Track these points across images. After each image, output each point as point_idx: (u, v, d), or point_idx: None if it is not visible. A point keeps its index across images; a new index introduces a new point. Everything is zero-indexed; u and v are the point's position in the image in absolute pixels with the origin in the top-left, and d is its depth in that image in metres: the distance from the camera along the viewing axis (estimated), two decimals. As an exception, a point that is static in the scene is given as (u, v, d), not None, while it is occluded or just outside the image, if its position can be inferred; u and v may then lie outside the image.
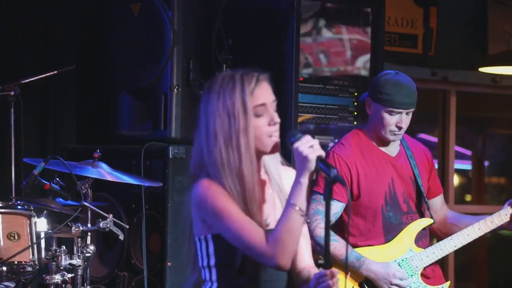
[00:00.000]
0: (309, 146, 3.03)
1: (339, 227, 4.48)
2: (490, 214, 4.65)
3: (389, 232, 4.48)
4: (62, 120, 5.90)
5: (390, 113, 4.39)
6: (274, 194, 3.22)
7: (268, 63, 5.14)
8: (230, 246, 3.09)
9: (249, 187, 3.09)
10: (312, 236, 4.33)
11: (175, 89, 5.32)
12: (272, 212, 3.16)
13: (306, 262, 3.27)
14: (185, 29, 5.36)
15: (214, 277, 3.17)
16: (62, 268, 4.43)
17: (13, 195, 4.93)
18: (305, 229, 3.27)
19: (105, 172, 4.58)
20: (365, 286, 4.44)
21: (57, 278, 4.41)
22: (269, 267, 3.08)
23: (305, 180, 3.04)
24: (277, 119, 3.14)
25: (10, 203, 4.60)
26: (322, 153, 3.04)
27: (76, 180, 4.45)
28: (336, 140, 5.64)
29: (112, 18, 5.65)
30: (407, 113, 4.42)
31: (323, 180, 4.29)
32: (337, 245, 4.37)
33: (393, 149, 4.55)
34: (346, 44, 5.71)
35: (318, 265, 3.20)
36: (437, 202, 4.69)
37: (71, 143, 5.79)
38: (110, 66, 5.68)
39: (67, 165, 4.42)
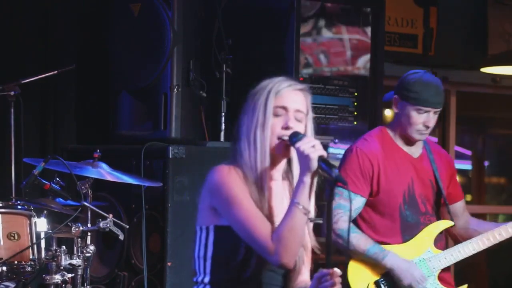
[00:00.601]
0: (311, 146, 3.06)
1: (362, 222, 4.51)
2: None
3: (406, 231, 4.49)
4: (62, 120, 5.89)
5: (418, 111, 4.42)
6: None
7: (268, 63, 5.14)
8: (234, 241, 3.11)
9: (261, 180, 3.15)
10: (334, 229, 4.36)
11: (175, 89, 5.32)
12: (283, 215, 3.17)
13: (304, 276, 3.29)
14: (185, 29, 5.35)
15: (208, 269, 3.19)
16: (62, 268, 4.42)
17: (13, 195, 4.92)
18: (307, 244, 3.29)
19: (105, 172, 4.58)
20: (381, 284, 4.44)
21: (57, 278, 4.40)
22: (272, 264, 3.10)
23: (307, 179, 3.07)
24: (292, 125, 3.17)
25: (10, 203, 4.60)
26: (324, 153, 3.07)
27: (76, 180, 4.45)
28: (336, 140, 5.65)
29: (112, 18, 5.64)
30: (434, 113, 4.45)
31: (345, 174, 4.36)
32: (360, 237, 4.40)
33: (415, 151, 4.57)
34: (346, 44, 5.71)
35: (319, 266, 3.20)
36: (458, 208, 4.70)
37: (71, 143, 5.79)
38: (110, 66, 5.67)
39: (67, 165, 4.41)
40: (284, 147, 3.18)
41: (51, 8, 5.86)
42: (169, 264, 5.04)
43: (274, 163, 3.20)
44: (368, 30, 5.74)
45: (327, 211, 3.01)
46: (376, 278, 4.46)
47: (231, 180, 3.13)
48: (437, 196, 4.59)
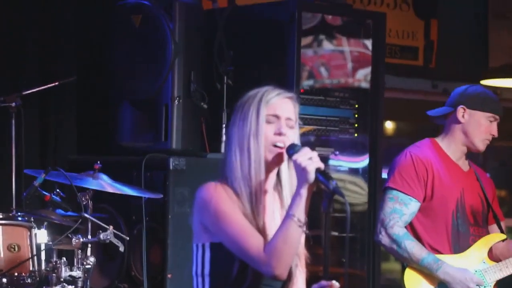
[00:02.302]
0: (308, 158, 3.05)
1: (411, 227, 4.52)
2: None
3: (456, 240, 4.50)
4: (63, 132, 5.89)
5: (490, 119, 4.55)
6: (283, 211, 3.22)
7: (269, 75, 5.16)
8: (228, 256, 3.10)
9: (256, 189, 3.12)
10: (389, 234, 4.39)
11: (176, 101, 5.32)
12: (275, 227, 3.16)
13: (299, 285, 3.28)
14: (186, 40, 5.36)
15: (206, 286, 3.18)
16: (62, 280, 4.42)
17: (14, 207, 4.92)
18: (302, 259, 3.28)
19: (105, 183, 4.58)
20: None
21: (58, 290, 4.40)
22: (265, 276, 3.09)
23: (304, 192, 3.05)
24: (284, 131, 3.16)
25: (11, 214, 4.60)
26: (321, 165, 3.05)
27: (77, 191, 4.45)
28: (337, 152, 5.65)
29: (113, 29, 5.65)
30: (497, 123, 4.60)
31: (401, 178, 4.40)
32: (414, 245, 4.41)
33: (464, 165, 4.63)
34: (347, 56, 5.72)
35: (317, 278, 3.19)
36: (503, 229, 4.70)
37: (72, 154, 5.79)
38: (111, 77, 5.68)
39: (67, 177, 4.42)
40: (277, 155, 3.17)
41: (52, 19, 5.87)
42: (169, 276, 5.04)
43: (266, 172, 3.19)
44: (369, 42, 5.75)
45: (325, 221, 3.00)
46: (433, 286, 4.46)
47: (218, 196, 3.11)
48: (486, 210, 4.63)
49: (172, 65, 5.31)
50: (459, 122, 4.56)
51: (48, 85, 5.29)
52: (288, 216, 3.05)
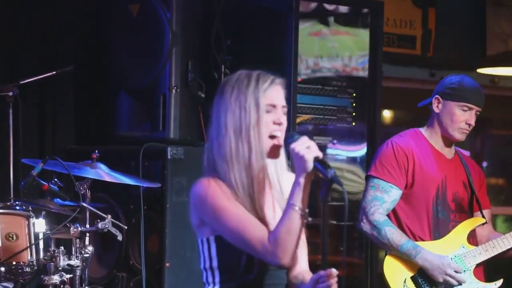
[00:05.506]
0: (306, 147, 3.04)
1: (395, 215, 4.55)
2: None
3: (436, 226, 4.53)
4: (61, 121, 5.90)
5: (462, 108, 4.53)
6: (274, 198, 3.22)
7: (266, 64, 5.14)
8: (235, 248, 3.09)
9: (258, 179, 3.11)
10: (370, 221, 4.45)
11: (174, 90, 5.32)
12: (272, 214, 3.17)
13: (302, 268, 3.28)
14: (184, 30, 5.36)
15: (217, 279, 3.17)
16: (60, 268, 4.42)
17: (12, 196, 4.92)
18: (302, 235, 3.28)
19: (103, 172, 4.58)
20: (418, 279, 4.46)
21: (56, 278, 4.40)
22: (271, 265, 3.09)
23: (303, 180, 3.04)
24: (283, 120, 3.15)
25: (9, 203, 4.60)
26: (319, 154, 3.05)
27: (75, 180, 4.45)
28: (335, 141, 5.66)
29: (110, 18, 5.65)
30: (476, 112, 4.56)
31: (382, 166, 4.42)
32: (394, 231, 4.45)
33: (449, 153, 4.66)
34: (345, 45, 5.72)
35: (316, 266, 3.20)
36: (485, 216, 4.70)
37: (70, 144, 5.79)
38: (108, 67, 5.68)
39: (65, 166, 4.42)
40: (274, 146, 3.16)
41: (50, 8, 5.86)
42: (167, 264, 5.04)
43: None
44: (367, 31, 5.75)
45: (323, 210, 3.00)
46: (412, 273, 4.48)
47: (213, 192, 3.08)
48: (470, 197, 4.64)
49: (169, 54, 5.31)
50: (435, 112, 4.59)
51: (46, 75, 5.28)
52: (289, 206, 3.05)
